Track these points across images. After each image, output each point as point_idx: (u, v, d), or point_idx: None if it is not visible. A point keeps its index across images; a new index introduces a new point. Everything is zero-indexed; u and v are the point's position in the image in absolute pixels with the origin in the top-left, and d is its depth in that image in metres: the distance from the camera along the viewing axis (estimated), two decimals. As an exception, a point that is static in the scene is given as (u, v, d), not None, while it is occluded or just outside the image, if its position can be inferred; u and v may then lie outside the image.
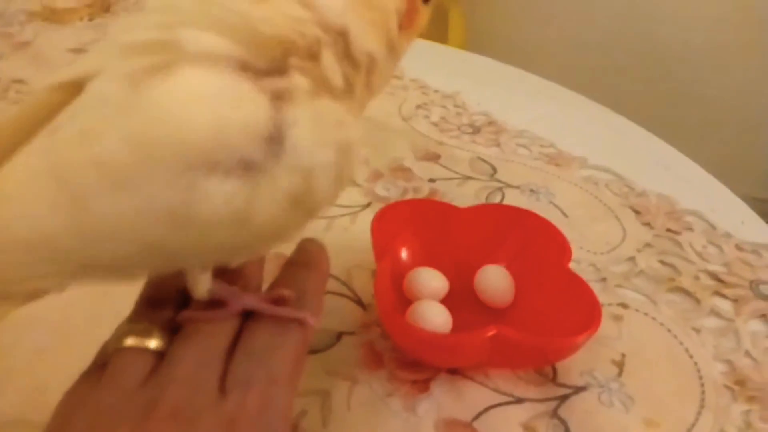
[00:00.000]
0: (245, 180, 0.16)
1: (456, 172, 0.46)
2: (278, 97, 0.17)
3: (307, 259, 0.23)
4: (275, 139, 0.17)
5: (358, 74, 0.20)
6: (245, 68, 0.17)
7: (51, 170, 0.16)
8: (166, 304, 0.21)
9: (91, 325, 0.19)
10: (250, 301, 0.21)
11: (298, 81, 0.18)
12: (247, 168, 0.16)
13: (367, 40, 0.20)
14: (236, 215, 0.17)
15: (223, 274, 0.21)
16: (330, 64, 0.19)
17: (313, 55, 0.18)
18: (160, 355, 0.19)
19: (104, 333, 0.21)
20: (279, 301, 0.21)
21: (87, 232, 0.16)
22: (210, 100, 0.16)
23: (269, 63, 0.17)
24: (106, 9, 0.68)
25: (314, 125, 0.17)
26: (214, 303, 0.21)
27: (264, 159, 0.17)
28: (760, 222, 0.44)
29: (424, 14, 0.23)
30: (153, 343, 0.19)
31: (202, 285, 0.20)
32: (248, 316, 0.21)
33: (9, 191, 0.16)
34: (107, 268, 0.18)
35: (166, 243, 0.17)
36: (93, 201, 0.16)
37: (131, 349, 0.19)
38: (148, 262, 0.19)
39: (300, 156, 0.17)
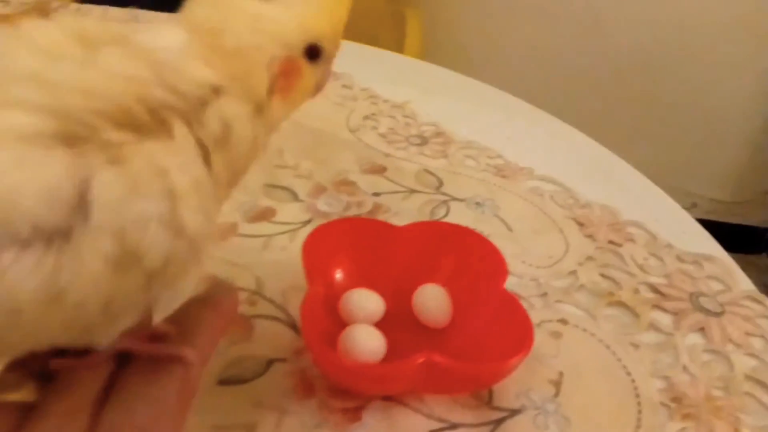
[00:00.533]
0: (48, 250, 0.15)
1: (401, 186, 0.46)
2: (82, 156, 0.15)
3: (205, 295, 0.22)
4: (79, 202, 0.15)
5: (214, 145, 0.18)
6: (52, 137, 0.15)
7: None
8: (40, 352, 0.20)
9: None
10: (123, 342, 0.19)
11: (111, 136, 0.16)
12: (49, 237, 0.15)
13: (225, 102, 0.18)
14: (46, 289, 0.15)
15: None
16: (183, 134, 0.17)
17: (160, 123, 0.17)
18: (29, 409, 0.18)
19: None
20: (157, 339, 0.20)
21: None
22: None
23: (83, 131, 0.15)
24: (44, 15, 0.66)
25: (125, 178, 0.16)
26: (88, 349, 0.19)
27: (67, 224, 0.15)
28: (703, 232, 0.44)
29: (310, 75, 0.22)
30: (22, 396, 0.18)
31: None
32: (127, 359, 0.19)
33: None
34: None
35: None
36: None
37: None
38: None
39: (106, 213, 0.15)
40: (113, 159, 0.16)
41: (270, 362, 0.31)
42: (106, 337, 0.18)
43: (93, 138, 0.16)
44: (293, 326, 0.33)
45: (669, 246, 0.41)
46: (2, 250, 0.14)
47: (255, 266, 0.37)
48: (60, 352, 0.19)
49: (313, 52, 0.21)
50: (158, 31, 0.19)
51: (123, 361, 0.19)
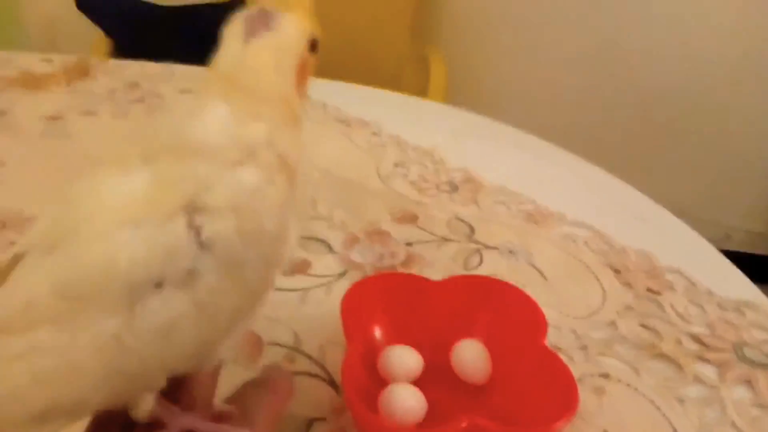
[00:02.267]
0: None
1: (434, 234, 0.46)
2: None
3: (264, 379, 0.23)
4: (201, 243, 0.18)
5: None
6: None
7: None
8: (112, 427, 0.20)
9: None
10: (189, 421, 0.20)
11: None
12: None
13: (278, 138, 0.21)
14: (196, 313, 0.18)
15: (169, 393, 0.21)
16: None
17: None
18: None
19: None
20: (221, 419, 0.20)
21: (48, 379, 0.17)
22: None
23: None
24: (85, 73, 0.69)
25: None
26: (156, 424, 0.20)
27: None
28: (743, 277, 0.43)
29: (312, 63, 0.24)
30: None
31: (143, 406, 0.19)
32: None
33: None
34: (67, 408, 0.18)
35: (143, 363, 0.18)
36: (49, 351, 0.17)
37: None
38: (108, 393, 0.19)
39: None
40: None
41: (310, 422, 0.31)
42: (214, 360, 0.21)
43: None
44: (332, 383, 0.33)
45: (709, 293, 0.41)
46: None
47: (292, 321, 0.37)
48: (129, 428, 0.20)
49: (313, 45, 0.24)
50: (205, 118, 0.20)
51: None
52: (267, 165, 0.20)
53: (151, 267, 0.18)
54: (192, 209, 0.18)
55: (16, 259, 0.19)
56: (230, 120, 0.20)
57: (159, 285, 0.18)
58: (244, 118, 0.20)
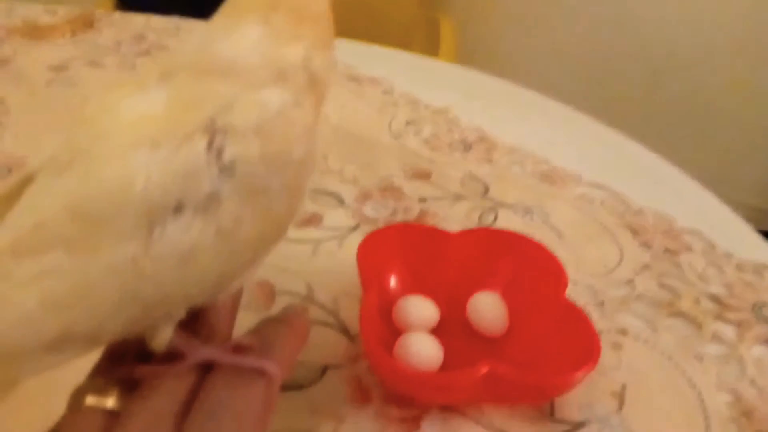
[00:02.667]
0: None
1: (447, 191, 0.45)
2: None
3: (282, 316, 0.22)
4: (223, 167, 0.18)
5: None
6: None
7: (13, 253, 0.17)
8: (127, 355, 0.20)
9: (44, 391, 0.18)
10: (208, 352, 0.19)
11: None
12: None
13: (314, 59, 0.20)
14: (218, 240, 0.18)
15: (187, 325, 0.20)
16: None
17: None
18: (115, 415, 0.18)
19: (59, 400, 0.19)
20: (241, 351, 0.19)
21: (60, 304, 0.17)
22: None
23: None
24: (89, 25, 0.67)
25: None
26: (174, 355, 0.19)
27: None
28: (760, 240, 0.42)
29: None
30: (108, 402, 0.18)
31: (162, 337, 0.19)
32: (211, 369, 0.19)
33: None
34: (81, 336, 0.17)
35: (157, 290, 0.17)
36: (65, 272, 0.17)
37: (85, 408, 0.18)
38: (124, 321, 0.18)
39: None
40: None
41: (324, 369, 0.31)
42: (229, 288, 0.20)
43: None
44: (346, 332, 0.33)
45: (727, 255, 0.40)
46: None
47: (305, 272, 0.36)
48: (144, 359, 0.19)
49: None
50: (235, 37, 0.19)
51: (206, 371, 0.19)
52: (296, 88, 0.19)
53: (170, 189, 0.17)
54: (213, 130, 0.17)
55: (26, 181, 0.18)
56: (264, 40, 0.19)
57: (178, 209, 0.17)
58: (283, 38, 0.19)
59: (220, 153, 0.17)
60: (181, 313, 0.20)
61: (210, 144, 0.17)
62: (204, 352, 0.19)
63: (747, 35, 1.18)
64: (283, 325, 0.22)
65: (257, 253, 0.20)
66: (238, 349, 0.20)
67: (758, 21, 1.16)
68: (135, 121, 0.18)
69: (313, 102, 0.20)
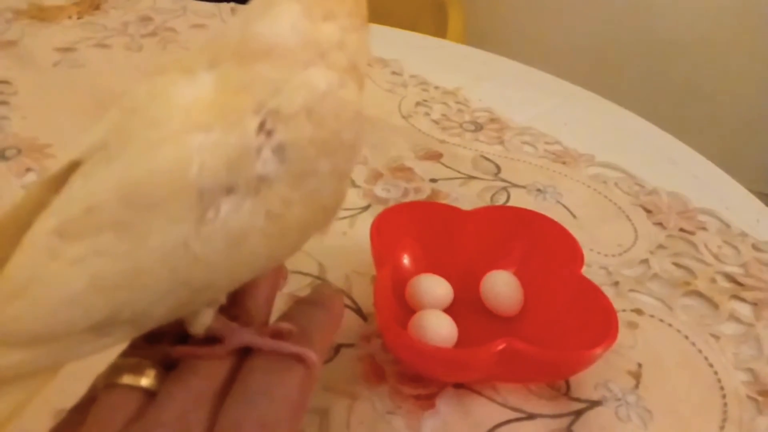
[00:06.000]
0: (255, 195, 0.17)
1: (459, 172, 0.45)
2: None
3: (317, 298, 0.22)
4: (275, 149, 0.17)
5: None
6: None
7: (57, 236, 0.17)
8: (163, 337, 0.19)
9: (78, 364, 0.18)
10: (248, 337, 0.19)
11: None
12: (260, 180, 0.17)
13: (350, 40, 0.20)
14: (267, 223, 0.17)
15: (225, 310, 0.20)
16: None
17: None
18: (151, 395, 0.18)
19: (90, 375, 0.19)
20: (279, 336, 0.19)
21: (109, 286, 0.17)
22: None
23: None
24: (96, 7, 0.66)
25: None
26: (211, 339, 0.19)
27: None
28: (777, 220, 0.42)
29: None
30: (144, 381, 0.18)
31: (202, 321, 0.19)
32: (248, 353, 0.19)
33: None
34: (128, 319, 0.17)
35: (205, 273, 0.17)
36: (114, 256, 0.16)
37: (120, 387, 0.18)
38: (171, 305, 0.18)
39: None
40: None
41: (338, 347, 0.30)
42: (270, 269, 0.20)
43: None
44: (359, 311, 0.33)
45: (743, 234, 0.39)
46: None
47: (316, 252, 0.36)
48: (182, 340, 0.19)
49: None
50: (274, 17, 0.19)
51: (243, 356, 0.19)
52: (338, 67, 0.19)
53: (222, 171, 0.17)
54: (263, 113, 0.17)
55: (73, 166, 0.18)
56: (302, 18, 0.19)
57: (230, 191, 0.17)
58: (317, 16, 0.19)
59: (270, 135, 0.17)
60: (223, 298, 0.19)
61: (261, 126, 0.17)
62: (244, 337, 0.19)
63: (756, 20, 1.16)
64: (319, 309, 0.21)
65: (304, 237, 0.19)
66: (277, 334, 0.19)
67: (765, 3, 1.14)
68: (186, 106, 0.17)
69: (355, 84, 0.19)
